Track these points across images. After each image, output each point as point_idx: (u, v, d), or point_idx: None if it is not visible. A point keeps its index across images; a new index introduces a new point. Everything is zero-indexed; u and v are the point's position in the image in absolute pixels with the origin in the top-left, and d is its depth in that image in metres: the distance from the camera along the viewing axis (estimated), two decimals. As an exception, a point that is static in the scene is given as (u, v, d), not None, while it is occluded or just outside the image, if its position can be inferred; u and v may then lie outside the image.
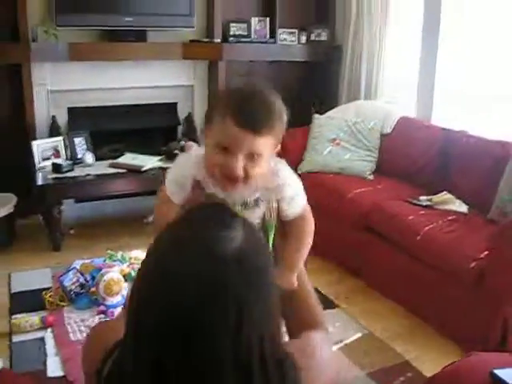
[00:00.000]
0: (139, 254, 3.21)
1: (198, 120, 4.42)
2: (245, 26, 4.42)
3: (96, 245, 3.56)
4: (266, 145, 1.21)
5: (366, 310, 2.96)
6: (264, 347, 0.85)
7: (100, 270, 2.90)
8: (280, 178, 1.31)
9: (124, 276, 2.91)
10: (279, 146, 1.28)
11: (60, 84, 3.95)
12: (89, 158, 3.78)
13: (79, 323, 2.70)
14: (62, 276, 2.88)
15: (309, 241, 1.39)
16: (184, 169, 1.33)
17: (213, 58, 4.34)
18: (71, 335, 2.60)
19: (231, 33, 4.38)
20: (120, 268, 2.98)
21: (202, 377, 0.82)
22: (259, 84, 1.27)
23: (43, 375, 2.30)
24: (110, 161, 3.86)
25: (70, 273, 2.90)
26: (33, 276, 3.16)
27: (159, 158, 3.89)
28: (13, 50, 3.64)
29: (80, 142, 3.84)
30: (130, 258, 3.17)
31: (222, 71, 4.40)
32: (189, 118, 4.40)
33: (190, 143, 4.04)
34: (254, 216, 1.32)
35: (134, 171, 3.72)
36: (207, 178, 1.27)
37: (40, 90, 3.88)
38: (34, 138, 3.77)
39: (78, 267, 2.98)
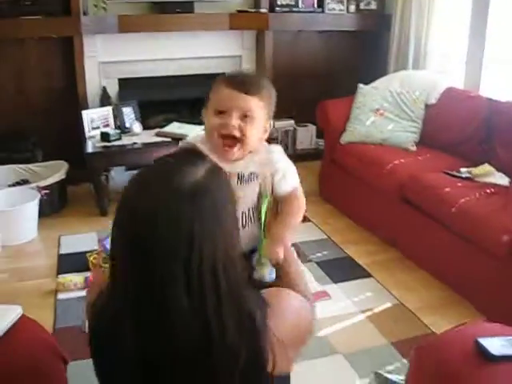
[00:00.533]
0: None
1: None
2: (292, -5, 4.40)
3: (142, 211, 3.67)
4: (257, 107, 1.36)
5: (400, 281, 2.96)
6: (218, 281, 0.90)
7: (141, 234, 3.01)
8: (274, 155, 1.45)
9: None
10: (271, 125, 1.43)
11: (110, 55, 4.08)
12: (136, 127, 3.89)
13: (119, 284, 2.84)
14: (105, 239, 3.04)
15: (295, 218, 1.47)
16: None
17: (259, 28, 4.36)
18: (111, 295, 2.74)
19: (278, 2, 4.37)
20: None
21: (162, 300, 0.89)
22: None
23: (80, 330, 2.44)
24: (157, 130, 3.95)
25: (113, 237, 3.04)
26: (80, 239, 3.34)
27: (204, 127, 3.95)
28: (64, 23, 3.77)
29: (128, 112, 3.95)
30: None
31: (269, 41, 4.42)
32: (236, 89, 4.43)
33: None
34: (250, 190, 1.42)
35: (180, 140, 3.79)
36: (210, 152, 1.38)
37: (91, 62, 4.02)
38: (86, 108, 3.91)
39: (120, 232, 3.11)
